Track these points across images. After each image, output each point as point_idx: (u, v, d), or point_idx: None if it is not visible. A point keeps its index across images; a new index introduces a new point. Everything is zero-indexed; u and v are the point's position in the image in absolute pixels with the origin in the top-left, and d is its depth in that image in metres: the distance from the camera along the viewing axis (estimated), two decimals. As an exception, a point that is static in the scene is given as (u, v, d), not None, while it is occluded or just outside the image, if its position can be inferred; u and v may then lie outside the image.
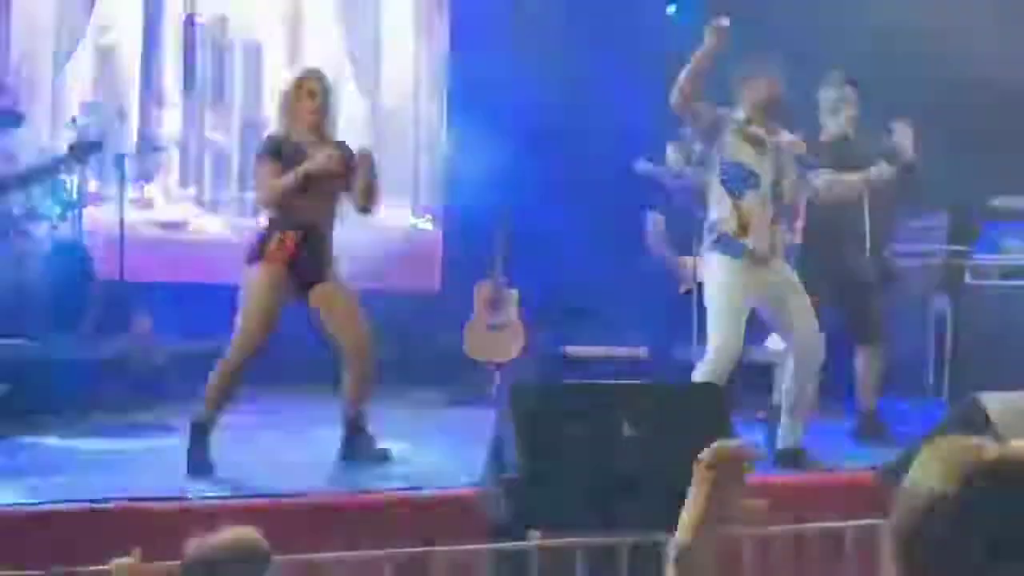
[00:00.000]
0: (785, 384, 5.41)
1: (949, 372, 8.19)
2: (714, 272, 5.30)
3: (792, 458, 5.38)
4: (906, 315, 8.66)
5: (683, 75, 5.10)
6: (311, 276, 5.16)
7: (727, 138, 5.29)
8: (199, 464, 4.97)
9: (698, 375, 5.18)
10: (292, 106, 5.22)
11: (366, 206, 5.32)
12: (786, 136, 5.48)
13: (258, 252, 5.08)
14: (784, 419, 5.42)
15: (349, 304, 5.24)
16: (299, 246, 5.08)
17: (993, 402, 4.01)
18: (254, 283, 5.06)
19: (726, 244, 5.26)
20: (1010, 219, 8.05)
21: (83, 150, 6.13)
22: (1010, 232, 7.96)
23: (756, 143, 5.34)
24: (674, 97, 5.12)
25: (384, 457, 5.31)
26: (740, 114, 5.39)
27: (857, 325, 6.46)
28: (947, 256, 8.52)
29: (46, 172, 6.38)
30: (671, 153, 7.46)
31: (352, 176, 5.24)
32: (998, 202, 8.24)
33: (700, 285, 6.99)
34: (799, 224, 6.18)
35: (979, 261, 8.09)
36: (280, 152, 5.13)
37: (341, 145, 5.32)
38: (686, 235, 7.21)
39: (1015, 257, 7.86)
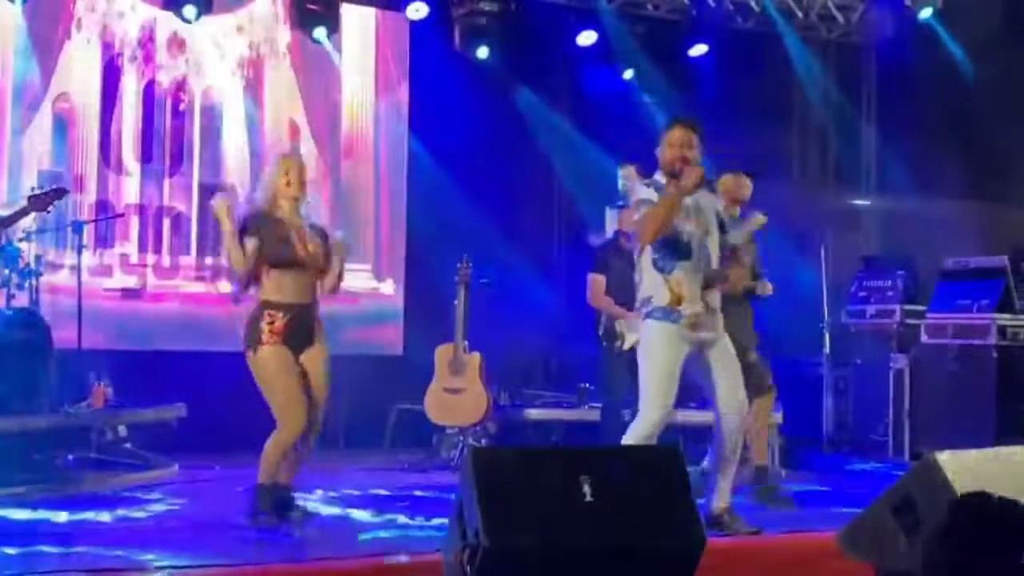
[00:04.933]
0: (718, 446, 5.38)
1: (908, 431, 8.27)
2: (651, 341, 5.30)
3: (727, 521, 5.37)
4: (864, 375, 8.76)
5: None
6: (301, 346, 5.38)
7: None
8: (263, 519, 5.25)
9: (629, 440, 5.19)
10: (273, 185, 5.43)
11: (334, 290, 5.59)
12: (704, 195, 5.44)
13: (257, 338, 5.30)
14: (719, 481, 5.38)
15: (320, 377, 5.44)
16: (288, 324, 5.31)
17: (950, 461, 4.04)
18: (267, 370, 5.29)
19: (664, 314, 5.26)
20: (962, 279, 8.16)
21: (45, 198, 6.12)
22: (962, 292, 8.06)
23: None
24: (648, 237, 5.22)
25: (303, 514, 5.43)
26: (662, 178, 5.37)
27: (749, 380, 6.51)
28: (903, 316, 8.63)
29: (10, 220, 6.34)
30: (610, 219, 7.50)
31: (328, 258, 5.50)
32: (951, 263, 8.37)
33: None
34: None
35: (934, 321, 8.19)
36: (259, 227, 5.33)
37: (316, 228, 5.55)
38: (628, 294, 7.28)
39: (968, 316, 7.95)
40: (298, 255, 5.33)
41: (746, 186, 6.58)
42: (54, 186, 6.40)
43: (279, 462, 5.33)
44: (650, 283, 5.32)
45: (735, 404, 5.35)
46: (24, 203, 6.22)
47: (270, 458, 5.31)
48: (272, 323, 5.28)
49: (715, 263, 5.38)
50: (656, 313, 5.28)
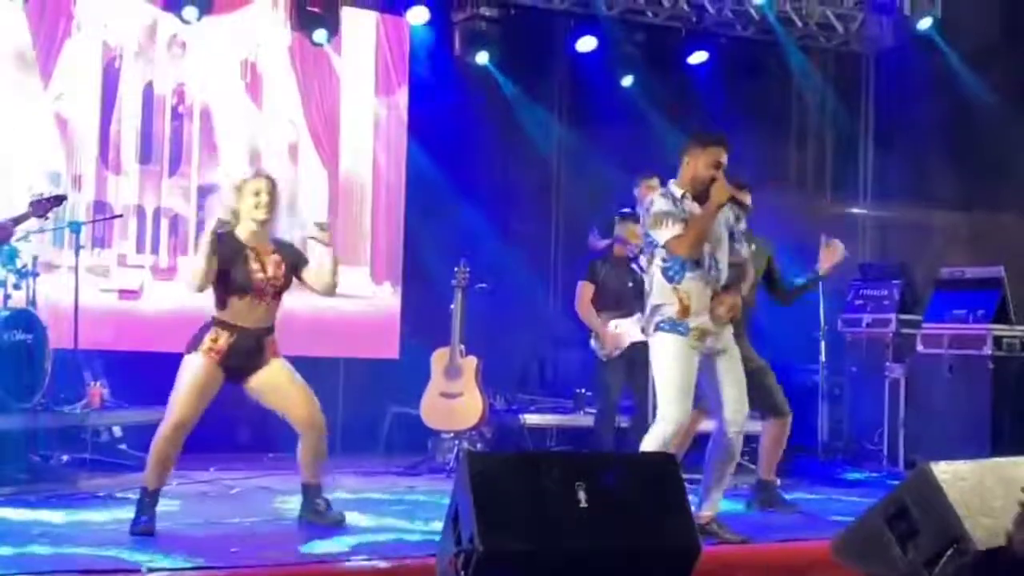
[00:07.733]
0: (717, 456, 5.38)
1: (902, 440, 8.28)
2: (664, 347, 5.30)
3: (715, 529, 5.37)
4: (860, 384, 8.77)
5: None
6: (243, 370, 5.42)
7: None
8: (141, 527, 5.20)
9: (649, 443, 5.19)
10: (239, 204, 5.41)
11: (330, 290, 5.58)
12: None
13: (196, 345, 5.35)
14: (712, 491, 5.41)
15: (291, 382, 5.48)
16: (232, 346, 5.34)
17: (944, 472, 4.06)
18: (188, 373, 5.33)
19: (671, 326, 5.28)
20: (958, 289, 8.16)
21: (45, 204, 6.13)
22: (958, 302, 8.07)
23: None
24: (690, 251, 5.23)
25: (339, 521, 5.52)
26: (677, 190, 5.36)
27: (763, 403, 6.49)
28: (899, 325, 8.64)
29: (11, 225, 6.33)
30: (619, 227, 7.52)
31: (299, 272, 5.49)
32: (947, 273, 8.37)
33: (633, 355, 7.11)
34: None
35: (929, 331, 8.19)
36: (220, 246, 5.29)
37: (283, 247, 5.53)
38: (616, 302, 7.33)
39: (964, 327, 7.95)
40: (254, 282, 5.33)
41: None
42: (55, 193, 6.40)
43: (159, 456, 5.27)
44: (659, 291, 5.34)
45: (740, 415, 5.37)
46: (26, 208, 6.22)
47: (151, 450, 5.29)
48: (216, 340, 5.31)
49: (725, 275, 5.39)
50: (664, 325, 5.30)
